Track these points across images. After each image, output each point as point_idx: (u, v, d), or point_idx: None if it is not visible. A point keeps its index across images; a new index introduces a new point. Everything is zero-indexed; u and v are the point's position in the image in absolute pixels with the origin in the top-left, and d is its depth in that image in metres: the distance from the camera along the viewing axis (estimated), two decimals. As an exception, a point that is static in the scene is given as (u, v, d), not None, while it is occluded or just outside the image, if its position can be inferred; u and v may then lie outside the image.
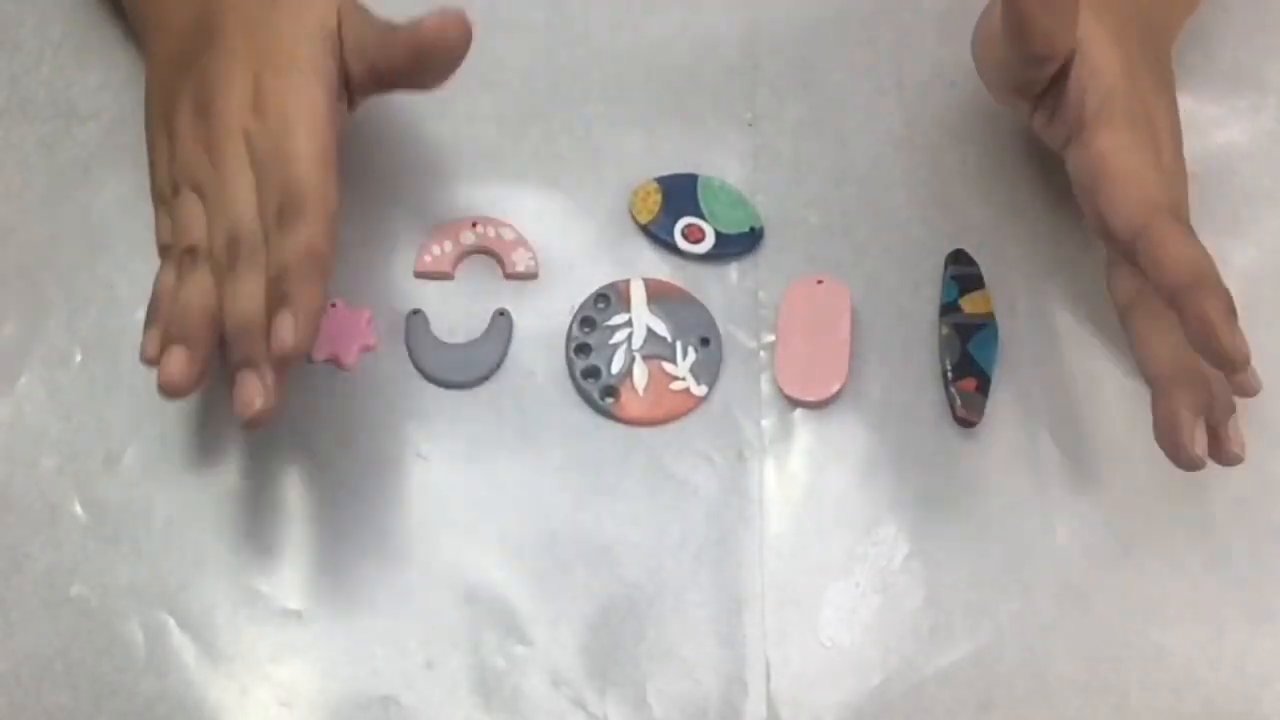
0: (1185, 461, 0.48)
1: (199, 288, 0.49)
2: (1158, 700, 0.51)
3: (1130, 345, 0.51)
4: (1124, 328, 0.52)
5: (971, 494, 0.54)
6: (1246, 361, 0.45)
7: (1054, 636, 0.52)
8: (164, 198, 0.52)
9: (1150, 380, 0.50)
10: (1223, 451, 0.50)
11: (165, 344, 0.48)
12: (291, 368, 0.47)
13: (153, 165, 0.53)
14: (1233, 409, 0.50)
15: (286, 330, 0.46)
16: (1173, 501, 0.54)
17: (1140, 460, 0.54)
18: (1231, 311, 0.45)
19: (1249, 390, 0.51)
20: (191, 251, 0.50)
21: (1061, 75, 0.51)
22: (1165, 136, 0.51)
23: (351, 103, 0.53)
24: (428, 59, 0.51)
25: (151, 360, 0.49)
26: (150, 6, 0.56)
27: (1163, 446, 0.49)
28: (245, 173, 0.49)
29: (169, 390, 0.48)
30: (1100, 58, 0.50)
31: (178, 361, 0.48)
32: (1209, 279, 0.45)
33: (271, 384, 0.47)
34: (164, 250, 0.51)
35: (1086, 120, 0.50)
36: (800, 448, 0.55)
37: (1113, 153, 0.49)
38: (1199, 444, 0.48)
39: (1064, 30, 0.48)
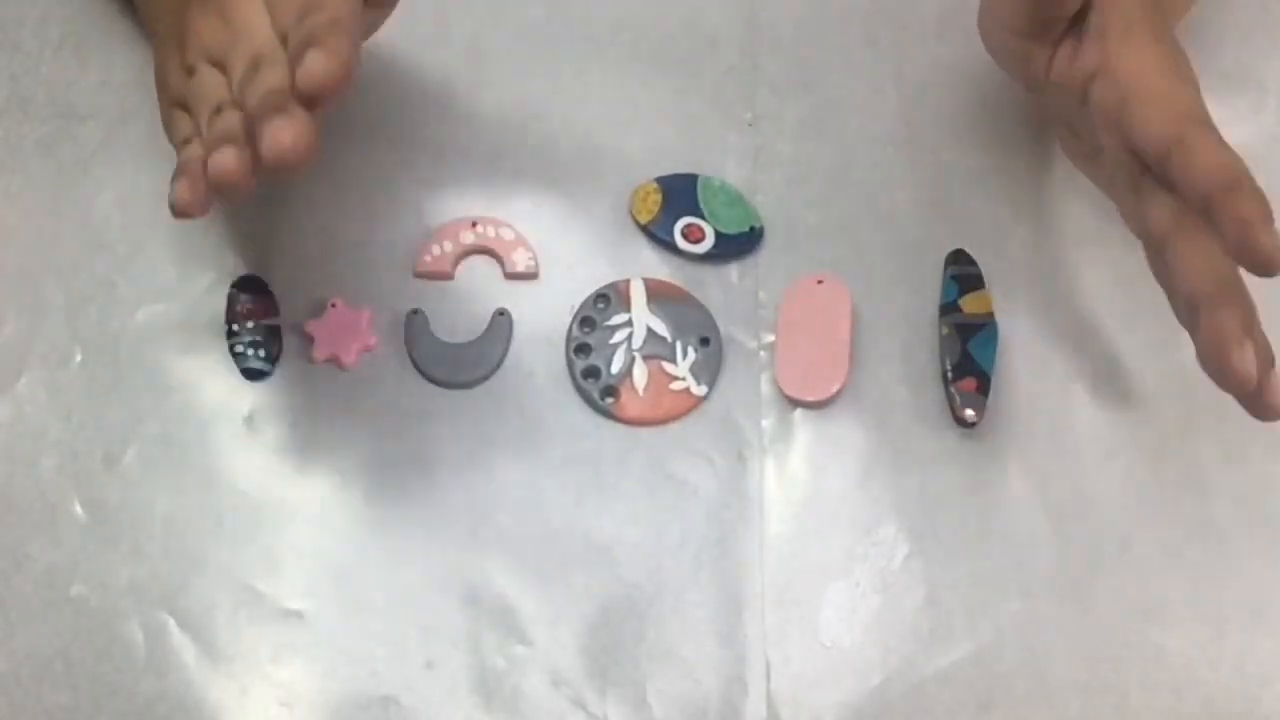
0: (1235, 378, 0.45)
1: (233, 118, 0.46)
2: (1158, 700, 0.51)
3: (1170, 274, 0.48)
4: (1161, 261, 0.49)
5: (971, 494, 0.54)
6: None
7: (1054, 636, 0.52)
8: (179, 98, 0.50)
9: (1193, 299, 0.46)
10: (1264, 404, 0.46)
11: (205, 188, 0.45)
12: (329, 96, 0.43)
13: (164, 80, 0.52)
14: (1274, 361, 0.46)
15: (315, 61, 0.43)
16: (1173, 501, 0.54)
17: (1141, 459, 0.54)
18: (1269, 213, 0.43)
19: (1269, 409, 0.47)
20: (217, 109, 0.47)
21: (1081, 12, 0.51)
22: (1183, 57, 0.51)
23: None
24: None
25: (184, 205, 0.45)
26: None
27: (1207, 367, 0.45)
28: (262, 15, 0.48)
29: (222, 180, 0.44)
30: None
31: (229, 154, 0.44)
32: (1245, 182, 0.45)
33: (303, 119, 0.43)
34: (185, 143, 0.49)
35: (1111, 46, 0.50)
36: (800, 448, 0.55)
37: (1141, 70, 0.49)
38: (1248, 359, 0.44)
39: None
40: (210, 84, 0.49)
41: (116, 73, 0.61)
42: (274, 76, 0.45)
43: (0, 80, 0.61)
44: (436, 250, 0.58)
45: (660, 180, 0.59)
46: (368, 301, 0.57)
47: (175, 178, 0.46)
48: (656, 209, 0.58)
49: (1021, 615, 0.52)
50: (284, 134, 0.42)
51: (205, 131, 0.48)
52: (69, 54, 0.61)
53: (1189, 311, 0.47)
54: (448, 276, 0.58)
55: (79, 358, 0.56)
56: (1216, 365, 0.45)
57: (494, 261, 0.58)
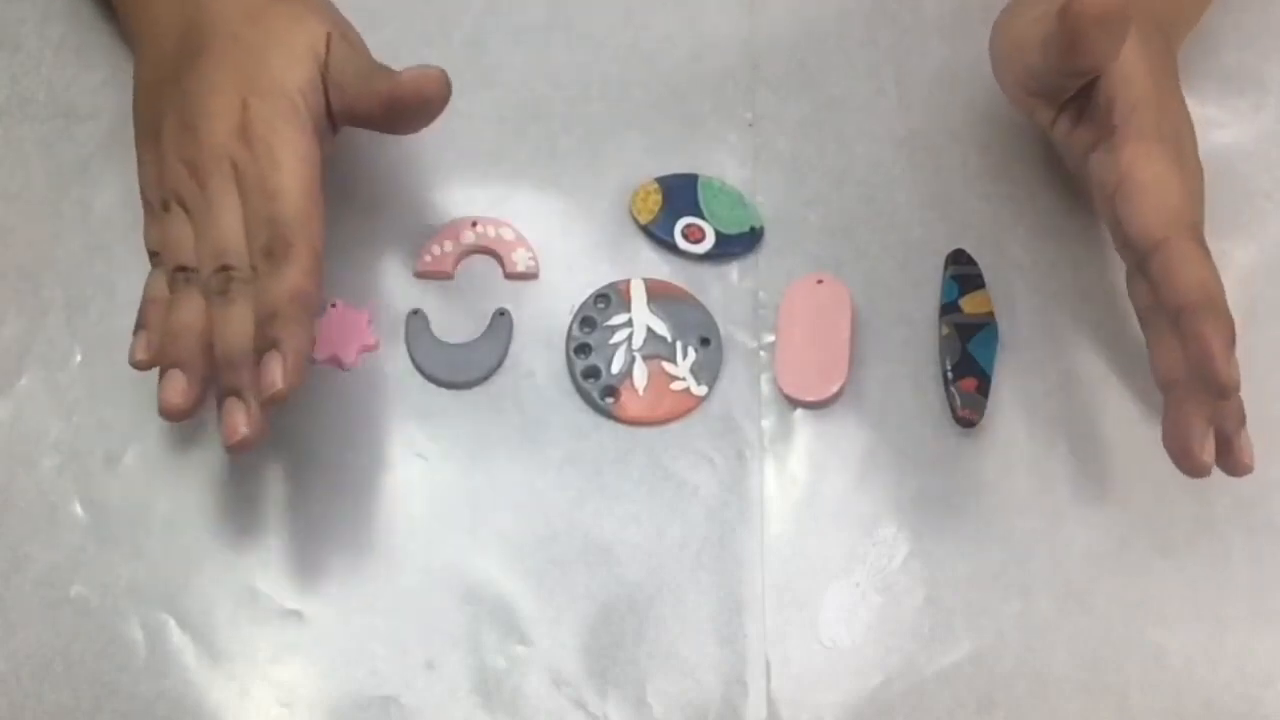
0: (1193, 468, 0.48)
1: (191, 311, 0.49)
2: (1158, 700, 0.51)
3: (1147, 349, 0.51)
4: (1143, 331, 0.51)
5: (971, 494, 0.54)
6: (1235, 390, 0.45)
7: (1054, 636, 0.52)
8: (152, 207, 0.52)
9: (1163, 386, 0.50)
10: (1234, 461, 0.49)
11: (158, 360, 0.49)
12: (279, 406, 0.47)
13: (140, 170, 0.53)
14: (1244, 419, 0.49)
15: (276, 373, 0.46)
16: (1173, 502, 0.54)
17: (1141, 460, 0.54)
18: (1231, 341, 0.46)
19: (1240, 467, 0.50)
20: (183, 271, 0.50)
21: (1090, 82, 0.51)
22: (1188, 142, 0.51)
23: (335, 128, 0.53)
24: (402, 111, 0.51)
25: (140, 364, 0.50)
26: (137, 16, 0.56)
27: (1171, 452, 0.49)
28: (231, 197, 0.49)
29: (170, 414, 0.48)
30: (1130, 64, 0.50)
31: (176, 386, 0.48)
32: (1215, 304, 0.46)
33: (257, 414, 0.48)
34: (153, 256, 0.52)
35: (1115, 126, 0.50)
36: (800, 448, 0.55)
37: (1139, 163, 0.49)
38: (1208, 451, 0.48)
39: (1115, 47, 0.48)
40: (179, 234, 0.51)
41: (116, 72, 0.61)
42: (238, 336, 0.48)
43: (0, 80, 0.61)
44: (436, 250, 0.58)
45: (660, 180, 0.59)
46: (368, 301, 0.57)
47: (136, 329, 0.50)
48: (656, 209, 0.58)
49: (1021, 615, 0.52)
50: (240, 425, 0.47)
51: (171, 280, 0.50)
52: (69, 54, 0.61)
53: (1160, 388, 0.50)
54: (448, 276, 0.58)
55: (79, 358, 0.56)
56: (1178, 453, 0.48)
57: (494, 261, 0.58)
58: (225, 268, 0.49)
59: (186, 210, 0.50)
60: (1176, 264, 0.47)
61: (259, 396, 0.47)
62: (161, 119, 0.52)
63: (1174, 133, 0.51)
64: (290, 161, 0.49)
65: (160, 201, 0.51)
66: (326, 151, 0.52)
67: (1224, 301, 0.47)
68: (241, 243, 0.49)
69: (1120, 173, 0.50)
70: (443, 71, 0.50)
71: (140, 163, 0.53)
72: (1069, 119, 0.53)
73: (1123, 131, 0.50)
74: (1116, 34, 0.48)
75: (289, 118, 0.50)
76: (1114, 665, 0.52)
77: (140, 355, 0.50)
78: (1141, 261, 0.49)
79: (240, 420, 0.47)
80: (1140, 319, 0.52)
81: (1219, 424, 0.49)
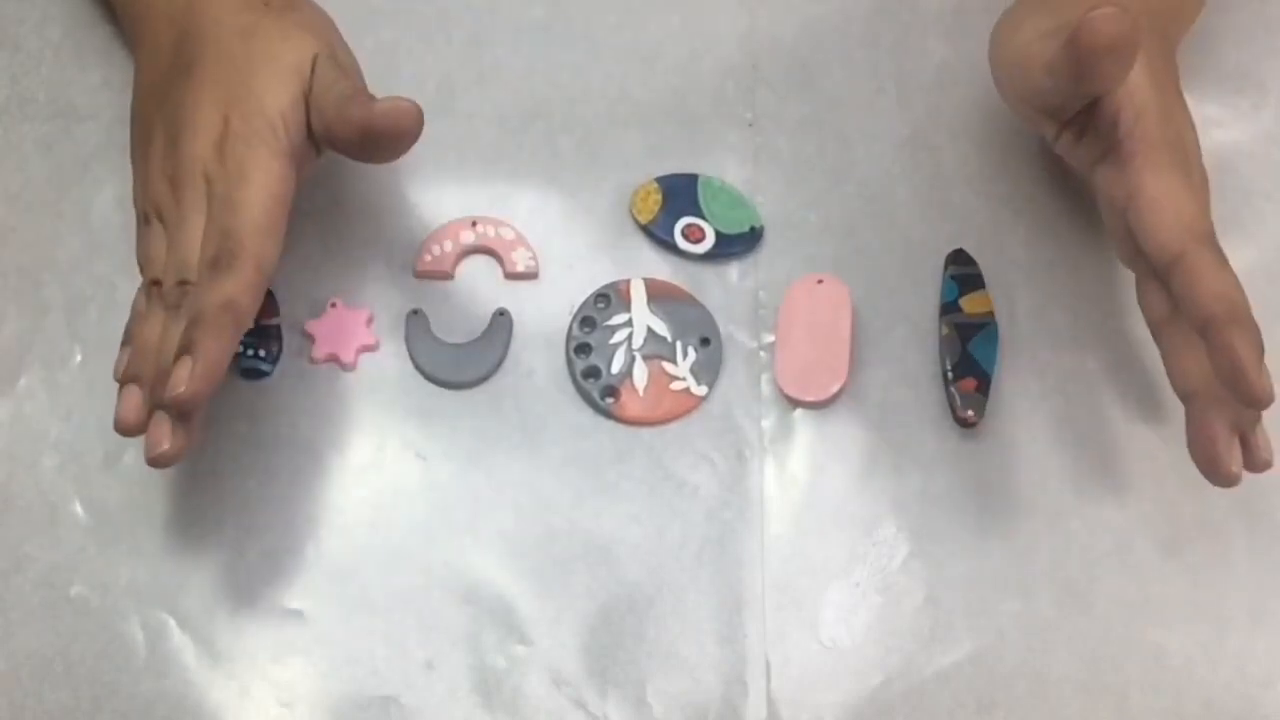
0: (1221, 479, 0.48)
1: (154, 327, 0.49)
2: (1158, 700, 0.51)
3: (1163, 360, 0.51)
4: (1156, 342, 0.51)
5: (971, 494, 0.54)
6: (1271, 400, 0.45)
7: (1054, 636, 0.52)
8: (140, 218, 0.52)
9: (1184, 397, 0.50)
10: (1254, 458, 0.49)
11: (123, 375, 0.49)
12: (183, 417, 0.47)
13: (134, 180, 0.53)
14: (1259, 416, 0.49)
15: (180, 376, 0.46)
16: (1173, 502, 0.54)
17: (1141, 459, 0.54)
18: (1260, 350, 0.45)
19: (1259, 463, 0.50)
20: (156, 285, 0.50)
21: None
22: (1193, 148, 0.51)
23: (318, 149, 0.53)
24: (376, 141, 0.50)
25: (120, 379, 0.49)
26: (135, 23, 0.56)
27: (1199, 463, 0.48)
28: (200, 213, 0.49)
29: (122, 429, 0.48)
30: (1134, 74, 0.49)
31: (129, 402, 0.48)
32: (1241, 314, 0.46)
33: (179, 428, 0.47)
34: (141, 270, 0.52)
35: (1121, 139, 0.50)
36: (800, 448, 0.55)
37: (1148, 177, 0.49)
38: (1236, 461, 0.48)
39: (1126, 71, 0.48)
40: (155, 249, 0.51)
41: (116, 72, 0.61)
42: (175, 344, 0.47)
43: (0, 80, 0.61)
44: (436, 250, 0.58)
45: (660, 180, 0.59)
46: (368, 301, 0.57)
47: (121, 345, 0.50)
48: (656, 209, 0.58)
49: (1021, 615, 0.52)
50: (162, 439, 0.47)
51: (146, 292, 0.51)
52: (69, 54, 0.61)
53: (1180, 398, 0.50)
54: (448, 276, 0.58)
55: (79, 358, 0.56)
56: (1207, 464, 0.48)
57: (494, 261, 0.58)
58: (183, 283, 0.49)
59: (164, 225, 0.51)
60: (1198, 277, 0.47)
61: (163, 405, 0.46)
62: (153, 130, 0.52)
63: (1179, 139, 0.51)
64: (259, 179, 0.49)
65: (143, 215, 0.52)
66: (306, 173, 0.52)
67: (1249, 311, 0.46)
68: (196, 259, 0.49)
69: (1130, 188, 0.49)
70: (416, 105, 0.50)
71: (134, 175, 0.53)
72: (1073, 133, 0.52)
73: (1129, 144, 0.50)
74: (1128, 59, 0.47)
75: (266, 139, 0.50)
76: (1114, 665, 0.52)
77: (118, 371, 0.50)
78: (1160, 275, 0.48)
79: (161, 433, 0.47)
80: (1153, 329, 0.51)
81: (1237, 427, 0.49)
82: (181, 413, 0.47)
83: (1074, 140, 0.53)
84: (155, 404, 0.47)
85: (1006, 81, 0.54)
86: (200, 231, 0.49)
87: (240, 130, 0.50)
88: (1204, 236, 0.48)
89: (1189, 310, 0.47)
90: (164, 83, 0.53)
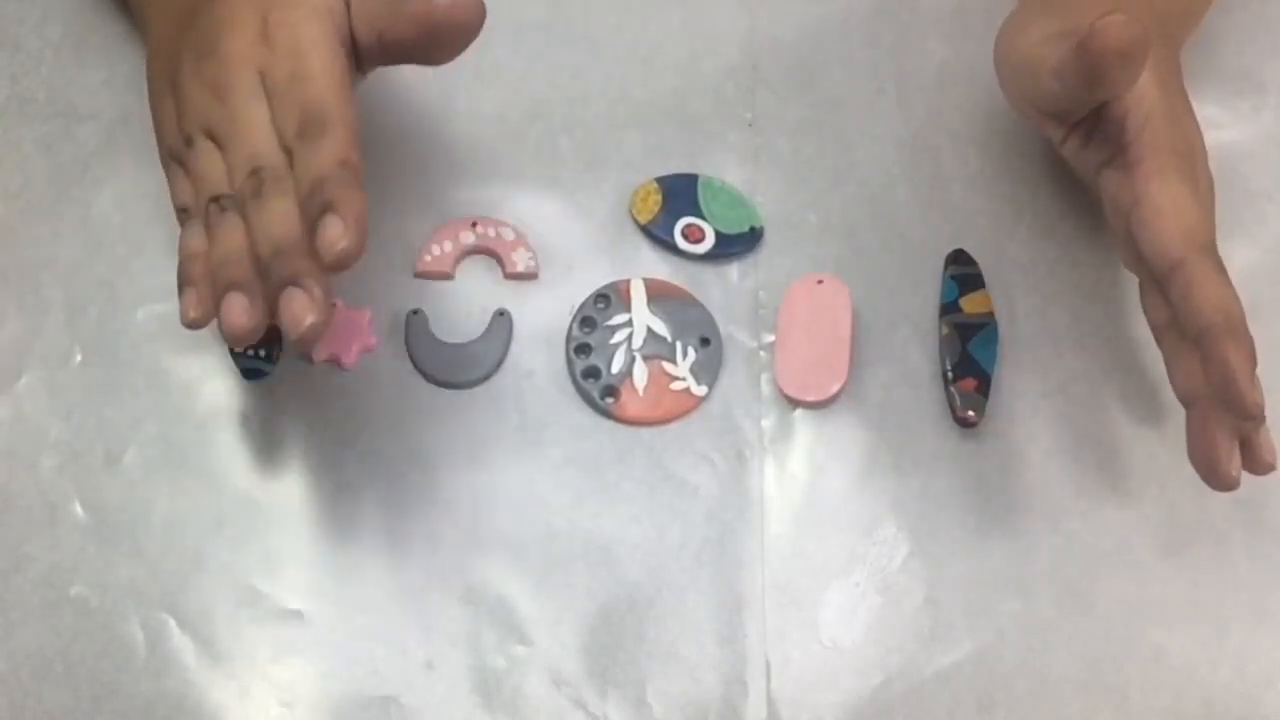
0: (1221, 484, 0.48)
1: (235, 235, 0.46)
2: (1158, 700, 0.51)
3: (1165, 364, 0.51)
4: (1159, 346, 0.51)
5: (971, 494, 0.54)
6: (1260, 413, 0.45)
7: (1054, 636, 0.52)
8: (176, 155, 0.50)
9: (1186, 402, 0.49)
10: (1257, 461, 0.49)
11: (213, 298, 0.46)
12: (346, 269, 0.44)
13: (159, 129, 0.51)
14: (1263, 418, 0.49)
15: (336, 230, 0.43)
16: (1173, 502, 0.54)
17: (1141, 460, 0.54)
18: (1253, 362, 0.46)
19: (1262, 465, 0.49)
20: (217, 201, 0.47)
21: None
22: (1199, 153, 0.51)
23: (362, 68, 0.51)
24: (437, 36, 0.49)
25: (194, 322, 0.46)
26: (144, 6, 0.56)
27: (1199, 469, 0.48)
28: (259, 102, 0.47)
29: (236, 337, 0.45)
30: (1142, 82, 0.49)
31: (239, 307, 0.45)
32: (1236, 326, 0.46)
33: (320, 297, 0.44)
34: (183, 212, 0.49)
35: (1127, 144, 0.50)
36: (800, 448, 0.55)
37: (1154, 183, 0.49)
38: (1235, 466, 0.48)
39: (1136, 76, 0.48)
40: (208, 165, 0.48)
41: (116, 73, 0.61)
42: (283, 226, 0.45)
43: (0, 80, 0.61)
44: (436, 250, 0.58)
45: (660, 180, 0.59)
46: (368, 301, 0.56)
47: (181, 288, 0.47)
48: (656, 209, 0.58)
49: (1021, 615, 0.52)
50: (305, 312, 0.44)
51: (206, 217, 0.48)
52: (69, 54, 0.61)
53: (1181, 402, 0.50)
54: (448, 276, 0.58)
55: (79, 358, 0.56)
56: (1206, 469, 0.48)
57: (494, 261, 0.58)
58: (256, 171, 0.46)
59: (212, 138, 0.48)
60: (1195, 286, 0.47)
61: (318, 269, 0.44)
62: (179, 62, 0.50)
63: (1185, 145, 0.51)
64: (317, 52, 0.47)
65: (184, 140, 0.49)
66: (353, 85, 0.50)
67: (1244, 322, 0.46)
68: (273, 143, 0.47)
69: (1135, 193, 0.49)
70: None
71: (159, 116, 0.51)
72: (1080, 136, 0.52)
73: (1135, 149, 0.50)
74: (1138, 65, 0.47)
75: (312, 21, 0.48)
76: (1114, 665, 0.52)
77: (193, 313, 0.46)
78: (1159, 282, 0.48)
79: (304, 305, 0.44)
80: (1156, 334, 0.51)
81: (1239, 430, 0.48)
82: (341, 269, 0.44)
83: (1080, 144, 0.52)
84: (284, 283, 0.44)
85: (1013, 84, 0.54)
86: (263, 119, 0.47)
87: (283, 18, 0.48)
88: (1204, 246, 0.48)
89: (1185, 319, 0.47)
90: (185, 20, 0.51)
